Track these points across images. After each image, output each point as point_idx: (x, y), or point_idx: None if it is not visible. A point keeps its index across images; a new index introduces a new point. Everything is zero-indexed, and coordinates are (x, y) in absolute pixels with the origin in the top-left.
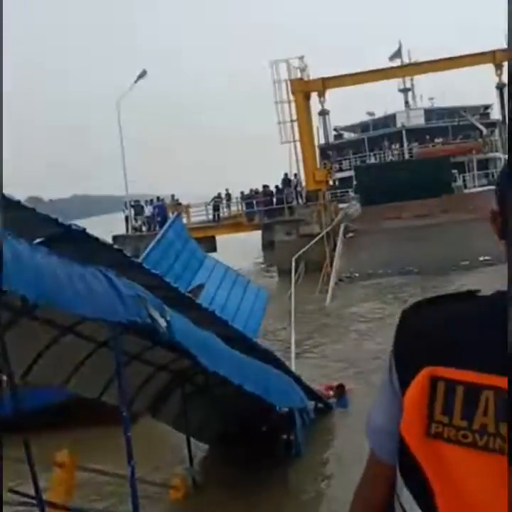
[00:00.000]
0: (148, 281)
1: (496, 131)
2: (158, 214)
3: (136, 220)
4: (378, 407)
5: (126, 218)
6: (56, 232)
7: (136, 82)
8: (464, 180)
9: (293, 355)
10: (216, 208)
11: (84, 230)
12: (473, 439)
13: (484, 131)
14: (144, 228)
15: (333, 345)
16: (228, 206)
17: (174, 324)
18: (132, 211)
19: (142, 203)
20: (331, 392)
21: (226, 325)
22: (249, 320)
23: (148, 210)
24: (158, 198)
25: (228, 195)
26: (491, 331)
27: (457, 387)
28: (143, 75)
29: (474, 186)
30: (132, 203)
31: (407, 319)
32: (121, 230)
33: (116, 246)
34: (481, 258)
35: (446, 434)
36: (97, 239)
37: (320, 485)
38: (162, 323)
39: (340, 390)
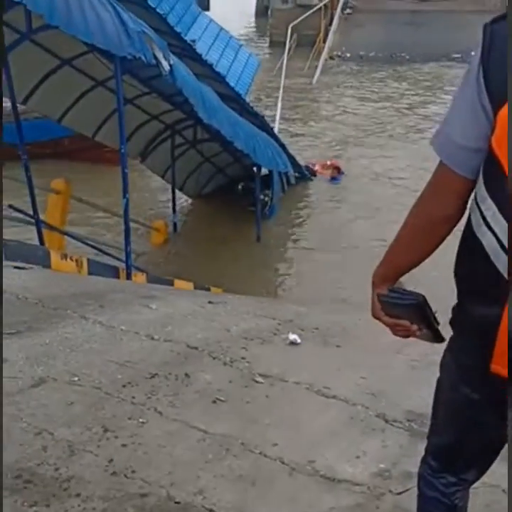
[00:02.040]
0: (152, 23)
1: None
2: None
3: None
4: (458, 127)
5: None
6: None
7: None
8: None
9: (277, 123)
10: None
11: None
12: None
13: None
14: None
15: (318, 119)
16: None
17: (176, 70)
18: None
19: None
20: (328, 171)
21: (223, 81)
22: (237, 85)
23: None
24: None
25: None
26: None
27: None
28: None
29: None
30: None
31: (498, 33)
32: None
33: None
34: (473, 52)
35: None
36: None
37: (288, 239)
38: (166, 66)
39: (336, 169)
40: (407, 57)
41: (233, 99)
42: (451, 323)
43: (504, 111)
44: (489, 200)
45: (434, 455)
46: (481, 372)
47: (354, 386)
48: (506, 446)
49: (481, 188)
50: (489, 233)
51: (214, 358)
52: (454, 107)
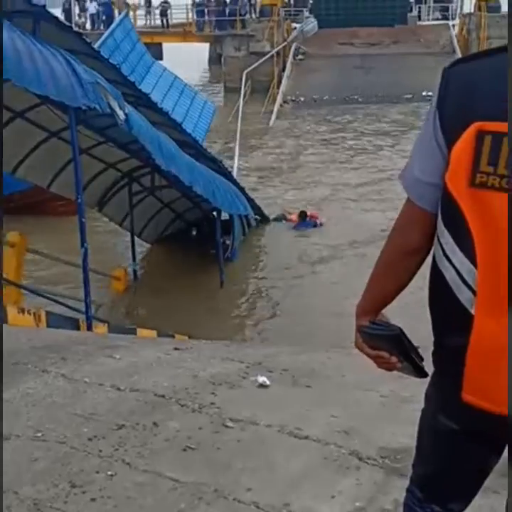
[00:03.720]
0: (106, 74)
1: None
2: (103, 12)
3: (79, 16)
4: (417, 162)
5: (67, 12)
6: (18, 7)
7: None
8: (419, 12)
9: (235, 167)
10: (163, 13)
11: (44, 6)
12: None
13: None
14: (87, 26)
15: (277, 162)
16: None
17: (132, 118)
18: (76, 7)
19: None
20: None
21: (180, 128)
22: (194, 131)
23: (92, 7)
24: None
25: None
26: None
27: (503, 139)
28: None
29: (428, 19)
30: None
31: (452, 76)
32: None
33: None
34: (424, 93)
35: (491, 182)
36: (57, 18)
37: (249, 281)
38: (121, 115)
39: (302, 215)
40: (360, 99)
41: (190, 146)
42: (432, 353)
43: (456, 149)
44: (446, 233)
45: (418, 485)
46: (456, 401)
47: (326, 425)
48: (491, 475)
49: (439, 221)
50: (450, 266)
51: (182, 406)
52: (416, 143)
